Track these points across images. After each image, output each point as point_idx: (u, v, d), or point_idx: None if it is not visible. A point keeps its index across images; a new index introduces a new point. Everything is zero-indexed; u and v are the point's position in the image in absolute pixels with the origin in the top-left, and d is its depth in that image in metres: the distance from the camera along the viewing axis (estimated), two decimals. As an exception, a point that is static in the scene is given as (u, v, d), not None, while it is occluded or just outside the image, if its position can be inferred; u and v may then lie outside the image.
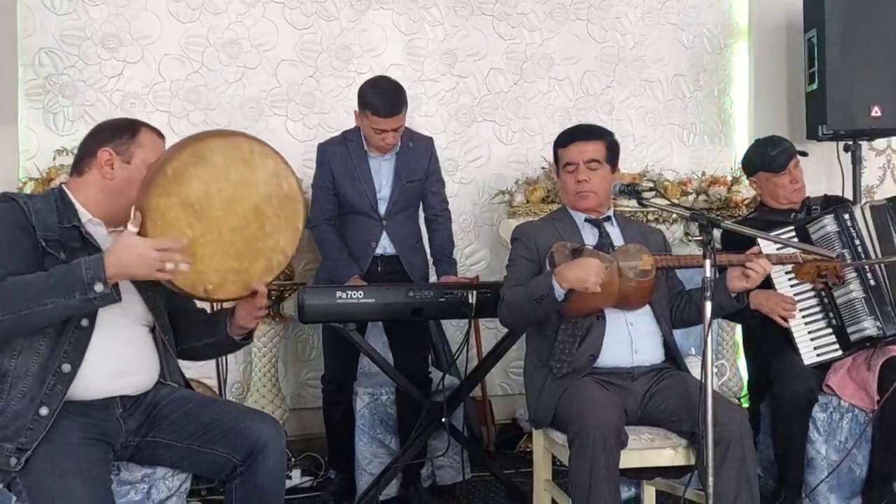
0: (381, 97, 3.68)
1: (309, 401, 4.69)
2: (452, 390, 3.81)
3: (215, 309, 3.11)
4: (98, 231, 2.51)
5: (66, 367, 2.35)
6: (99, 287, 2.22)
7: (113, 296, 2.27)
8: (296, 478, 4.16)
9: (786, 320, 3.33)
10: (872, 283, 3.38)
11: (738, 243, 3.23)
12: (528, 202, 4.63)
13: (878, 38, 4.75)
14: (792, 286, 3.42)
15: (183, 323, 2.71)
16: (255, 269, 2.48)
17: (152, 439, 2.51)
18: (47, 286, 2.23)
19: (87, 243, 2.45)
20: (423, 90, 4.93)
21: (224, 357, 4.08)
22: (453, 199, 4.38)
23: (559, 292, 2.82)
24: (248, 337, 2.72)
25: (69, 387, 2.35)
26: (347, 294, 3.43)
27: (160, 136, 2.61)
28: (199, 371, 4.12)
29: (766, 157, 3.73)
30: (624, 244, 3.09)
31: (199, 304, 2.70)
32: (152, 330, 2.58)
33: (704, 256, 2.69)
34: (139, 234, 2.30)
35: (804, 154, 3.83)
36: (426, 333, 4.09)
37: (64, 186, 2.54)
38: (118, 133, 2.53)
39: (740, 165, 3.95)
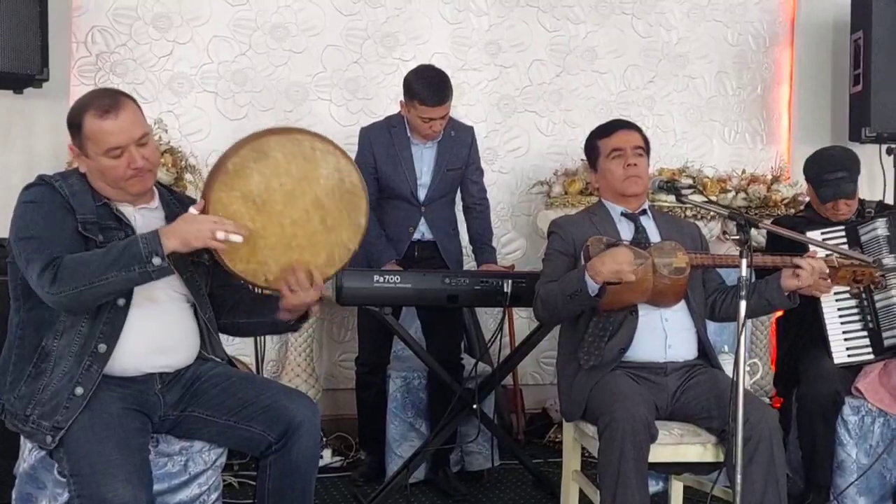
0: (429, 86, 3.72)
1: (342, 382, 4.73)
2: (484, 377, 3.84)
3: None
4: (127, 209, 2.54)
5: (102, 347, 2.39)
6: (157, 261, 2.28)
7: (170, 268, 2.33)
8: (326, 457, 4.21)
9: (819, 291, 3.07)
10: None
11: (784, 241, 3.20)
12: (566, 194, 4.64)
13: (925, 42, 4.71)
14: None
15: (229, 297, 2.72)
16: (316, 263, 2.50)
17: (191, 414, 2.54)
18: (107, 262, 2.28)
19: (122, 223, 2.49)
20: (466, 79, 4.93)
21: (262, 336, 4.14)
22: (491, 188, 4.39)
23: (592, 287, 2.83)
24: (298, 321, 2.68)
25: (104, 366, 2.39)
26: (385, 278, 3.46)
27: (104, 114, 2.42)
28: (235, 348, 4.19)
29: (819, 178, 3.54)
30: (660, 241, 3.08)
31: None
32: (193, 306, 2.61)
33: (741, 256, 2.70)
34: None
35: (851, 197, 3.54)
36: (459, 319, 4.12)
37: (82, 170, 2.53)
38: (71, 128, 2.49)
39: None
